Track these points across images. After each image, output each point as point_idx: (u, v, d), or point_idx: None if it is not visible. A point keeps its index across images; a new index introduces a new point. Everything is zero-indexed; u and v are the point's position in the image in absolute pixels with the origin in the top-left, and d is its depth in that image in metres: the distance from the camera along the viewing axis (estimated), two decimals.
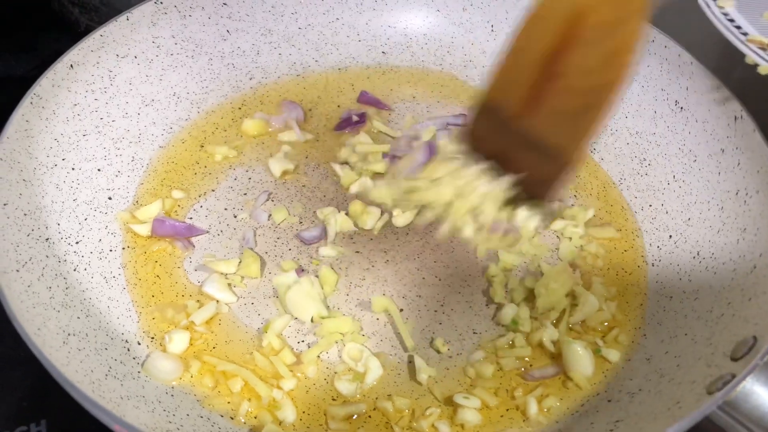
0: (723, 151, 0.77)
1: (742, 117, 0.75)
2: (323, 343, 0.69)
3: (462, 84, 0.97)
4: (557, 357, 0.69)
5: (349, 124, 0.90)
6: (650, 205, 0.82)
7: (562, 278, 0.71)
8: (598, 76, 0.55)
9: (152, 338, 0.69)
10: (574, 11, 0.54)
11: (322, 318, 0.70)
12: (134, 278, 0.73)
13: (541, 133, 0.59)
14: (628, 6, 0.54)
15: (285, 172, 0.83)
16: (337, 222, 0.78)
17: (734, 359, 0.60)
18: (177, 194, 0.80)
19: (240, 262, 0.74)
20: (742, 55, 0.76)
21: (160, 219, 0.76)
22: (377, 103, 0.93)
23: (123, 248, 0.75)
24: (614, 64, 0.54)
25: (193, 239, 0.77)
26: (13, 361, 0.71)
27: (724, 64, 0.84)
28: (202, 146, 0.85)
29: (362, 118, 0.90)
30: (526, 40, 0.57)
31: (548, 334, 0.69)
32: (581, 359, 0.67)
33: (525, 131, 0.59)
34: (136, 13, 0.83)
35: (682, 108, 0.83)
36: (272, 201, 0.81)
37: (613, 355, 0.69)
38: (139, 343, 0.68)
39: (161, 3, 0.85)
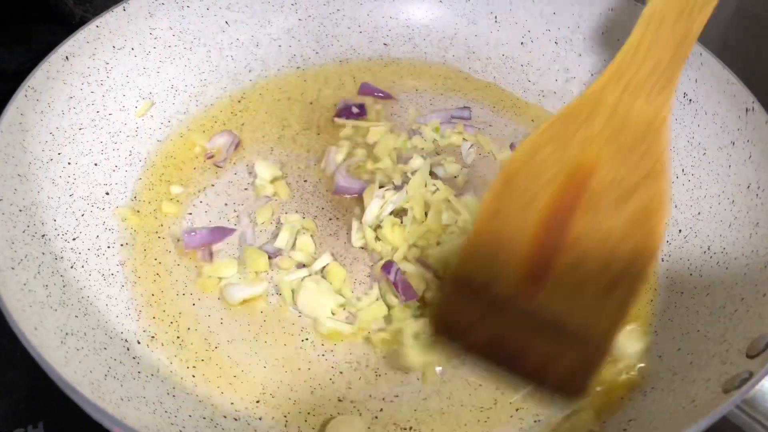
0: (733, 143, 0.76)
1: (753, 109, 0.74)
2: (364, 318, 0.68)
3: (465, 76, 0.95)
4: None
5: (350, 114, 0.88)
6: None
7: None
8: (621, 244, 0.48)
9: (152, 337, 0.67)
10: (574, 167, 0.48)
11: (343, 307, 0.69)
12: (133, 276, 0.71)
13: (559, 313, 0.50)
14: (643, 163, 0.48)
15: (275, 178, 0.80)
16: (297, 233, 0.74)
17: (750, 356, 0.58)
18: (176, 189, 0.78)
19: (241, 260, 0.72)
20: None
21: (189, 232, 0.73)
22: (379, 94, 0.91)
23: (121, 245, 0.73)
24: (641, 229, 0.48)
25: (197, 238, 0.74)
26: (9, 362, 0.70)
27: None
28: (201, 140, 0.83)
29: (362, 109, 0.89)
30: (512, 201, 0.49)
31: None
32: None
33: (533, 311, 0.50)
34: (133, 3, 0.81)
35: (690, 100, 0.81)
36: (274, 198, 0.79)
37: None
38: (138, 343, 0.66)
39: None
